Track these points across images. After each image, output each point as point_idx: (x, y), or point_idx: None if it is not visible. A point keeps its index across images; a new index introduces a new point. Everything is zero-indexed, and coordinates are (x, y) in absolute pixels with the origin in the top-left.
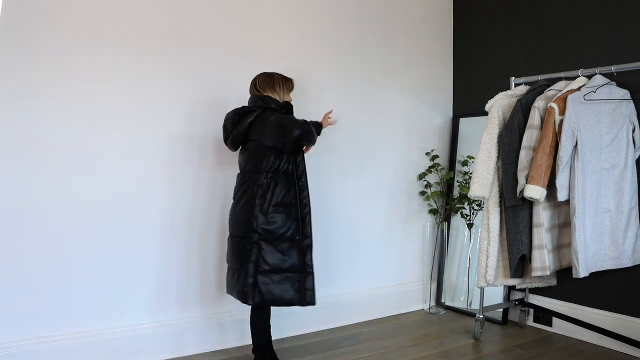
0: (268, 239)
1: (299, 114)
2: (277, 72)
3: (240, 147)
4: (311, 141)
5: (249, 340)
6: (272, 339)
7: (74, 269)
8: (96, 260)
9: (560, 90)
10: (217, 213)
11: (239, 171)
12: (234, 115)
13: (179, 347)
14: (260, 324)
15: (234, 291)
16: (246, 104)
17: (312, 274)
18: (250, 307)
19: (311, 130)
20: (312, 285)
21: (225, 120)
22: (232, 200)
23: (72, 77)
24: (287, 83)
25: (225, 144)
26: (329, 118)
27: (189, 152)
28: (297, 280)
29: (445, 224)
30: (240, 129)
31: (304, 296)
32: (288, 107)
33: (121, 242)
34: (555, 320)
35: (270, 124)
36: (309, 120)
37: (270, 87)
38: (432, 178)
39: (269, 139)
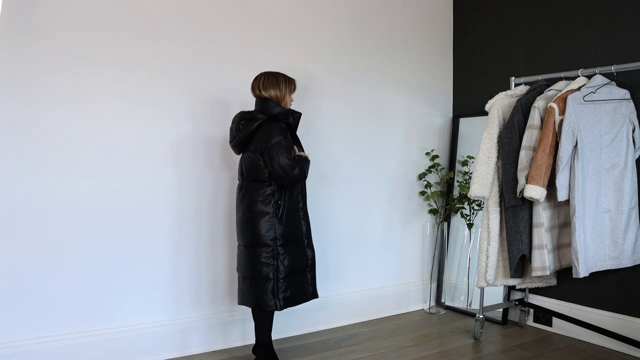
0: (286, 244)
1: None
2: (280, 72)
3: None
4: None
5: (250, 340)
6: (273, 338)
7: (75, 269)
8: (97, 261)
9: (560, 90)
10: (224, 213)
11: (238, 181)
12: (240, 120)
13: (179, 347)
14: (264, 323)
15: (250, 301)
16: (253, 106)
17: (314, 270)
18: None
19: (304, 177)
20: (315, 281)
21: (232, 122)
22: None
23: (77, 77)
24: (289, 84)
25: (230, 145)
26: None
27: (194, 153)
28: (308, 276)
29: (445, 224)
30: (242, 135)
31: (314, 290)
32: (295, 117)
33: (121, 243)
34: (555, 320)
35: (270, 153)
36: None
37: (274, 87)
38: (432, 178)
39: (267, 161)
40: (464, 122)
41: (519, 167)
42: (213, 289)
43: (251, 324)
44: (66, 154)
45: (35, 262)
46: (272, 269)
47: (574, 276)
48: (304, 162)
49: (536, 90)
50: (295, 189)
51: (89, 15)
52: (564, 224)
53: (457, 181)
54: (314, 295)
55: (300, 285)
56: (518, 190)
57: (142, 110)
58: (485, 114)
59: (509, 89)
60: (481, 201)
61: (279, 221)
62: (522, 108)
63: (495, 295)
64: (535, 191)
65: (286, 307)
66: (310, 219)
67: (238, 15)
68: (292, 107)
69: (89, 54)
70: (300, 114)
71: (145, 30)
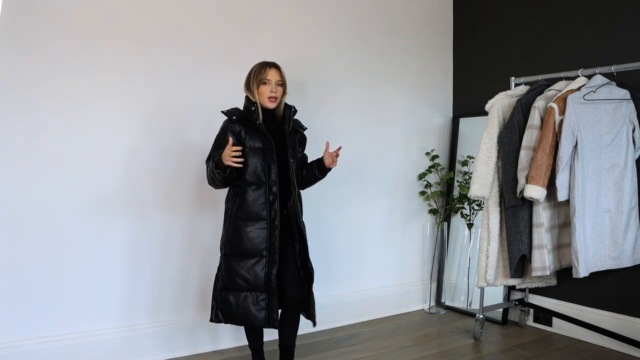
0: (231, 253)
1: (300, 116)
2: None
3: None
4: (212, 184)
5: (245, 341)
6: (272, 339)
7: (75, 270)
8: (97, 261)
9: (560, 90)
10: (207, 215)
11: None
12: None
13: (178, 348)
14: (248, 329)
15: None
16: (223, 108)
17: (275, 294)
18: None
19: (208, 176)
20: (275, 307)
21: None
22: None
23: (69, 82)
24: (258, 72)
25: None
26: (333, 154)
27: (160, 158)
28: (262, 299)
29: (445, 224)
30: None
31: (268, 318)
32: (250, 112)
33: (120, 243)
34: (555, 320)
35: None
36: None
37: (246, 86)
38: (432, 178)
39: None
40: (464, 122)
41: (519, 167)
42: (211, 289)
43: None
44: (65, 156)
45: (36, 262)
46: (216, 278)
47: (574, 276)
48: (212, 163)
49: (536, 90)
50: (252, 193)
51: (54, 19)
52: (564, 224)
53: (457, 181)
54: (269, 323)
55: (245, 305)
56: (518, 190)
57: (108, 114)
58: (485, 114)
59: (509, 89)
60: (481, 201)
61: (225, 227)
62: (522, 108)
63: (495, 295)
64: (535, 191)
65: (225, 323)
66: (300, 233)
67: (223, 14)
68: (271, 101)
69: (78, 59)
70: (252, 104)
71: (144, 33)
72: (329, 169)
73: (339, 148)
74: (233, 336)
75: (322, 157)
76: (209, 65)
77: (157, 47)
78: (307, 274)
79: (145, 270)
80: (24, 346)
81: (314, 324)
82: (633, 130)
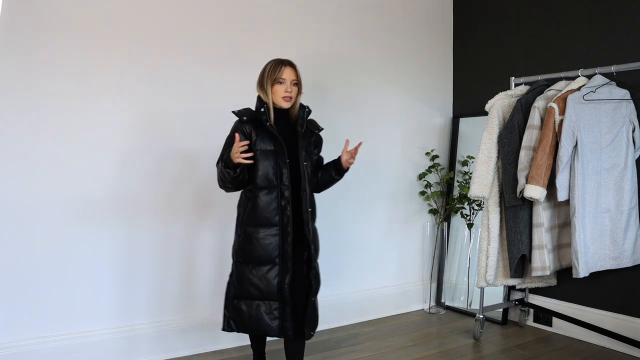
0: (243, 261)
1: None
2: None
3: None
4: (223, 187)
5: (246, 341)
6: (272, 339)
7: (75, 270)
8: (97, 261)
9: (560, 90)
10: (208, 216)
11: None
12: None
13: (178, 348)
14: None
15: None
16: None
17: (288, 304)
18: None
19: (218, 181)
20: (289, 317)
21: None
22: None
23: (70, 82)
24: (272, 71)
25: None
26: (352, 152)
27: (161, 157)
28: (275, 308)
29: (445, 224)
30: None
31: (282, 327)
32: (260, 112)
33: (120, 243)
34: (555, 320)
35: None
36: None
37: (259, 85)
38: (432, 178)
39: None
40: (464, 122)
41: (519, 167)
42: (209, 290)
43: None
44: (65, 156)
45: (36, 262)
46: (228, 286)
47: (574, 276)
48: (221, 163)
49: (536, 90)
50: (263, 198)
51: (52, 19)
52: (564, 224)
53: (457, 181)
54: (282, 332)
55: (258, 314)
56: (518, 190)
57: (102, 114)
58: (485, 114)
59: (509, 89)
60: (481, 201)
61: (237, 234)
62: (522, 108)
63: (495, 295)
64: (535, 191)
65: (238, 332)
66: (307, 240)
67: (222, 17)
68: (285, 100)
69: (78, 59)
70: (262, 105)
71: (144, 33)
72: (347, 169)
73: (359, 144)
74: (233, 336)
75: (339, 156)
76: (209, 65)
77: (157, 47)
78: (308, 283)
79: (145, 270)
80: (24, 346)
81: (309, 337)
82: (633, 130)
